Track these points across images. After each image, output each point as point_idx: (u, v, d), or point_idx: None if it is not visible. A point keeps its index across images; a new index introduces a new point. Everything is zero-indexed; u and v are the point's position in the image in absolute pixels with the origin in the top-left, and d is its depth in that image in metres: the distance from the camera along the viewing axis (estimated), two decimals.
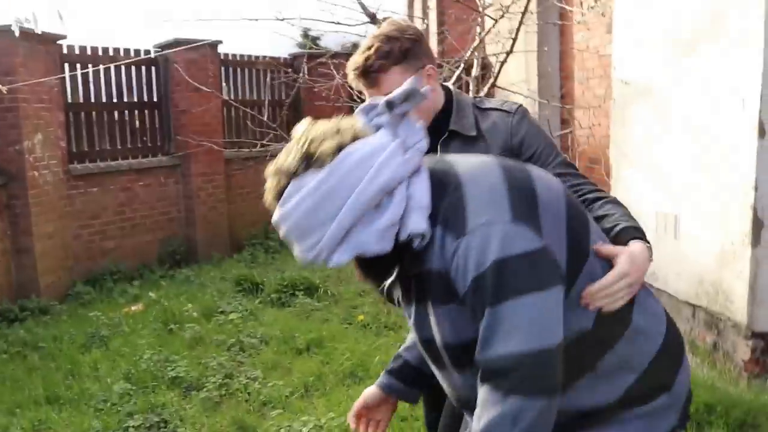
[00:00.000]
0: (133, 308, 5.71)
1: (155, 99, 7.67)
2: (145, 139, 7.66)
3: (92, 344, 4.76)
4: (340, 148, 1.15)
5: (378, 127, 1.20)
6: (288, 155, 1.19)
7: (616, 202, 1.73)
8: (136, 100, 7.52)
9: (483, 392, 1.12)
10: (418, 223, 1.15)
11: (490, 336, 1.10)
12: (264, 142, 7.69)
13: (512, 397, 1.08)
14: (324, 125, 1.20)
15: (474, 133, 1.81)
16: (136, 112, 7.56)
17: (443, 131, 1.81)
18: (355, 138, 1.17)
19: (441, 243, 1.15)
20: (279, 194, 1.18)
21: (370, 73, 1.71)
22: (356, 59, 1.73)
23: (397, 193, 1.15)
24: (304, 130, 1.21)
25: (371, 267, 1.23)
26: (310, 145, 1.16)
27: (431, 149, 1.68)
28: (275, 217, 1.20)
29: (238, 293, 5.85)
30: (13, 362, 4.52)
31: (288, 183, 1.16)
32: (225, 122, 8.35)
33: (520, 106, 1.87)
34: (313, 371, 3.95)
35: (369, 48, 1.71)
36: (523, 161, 1.57)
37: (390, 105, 1.19)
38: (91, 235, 6.98)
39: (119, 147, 7.39)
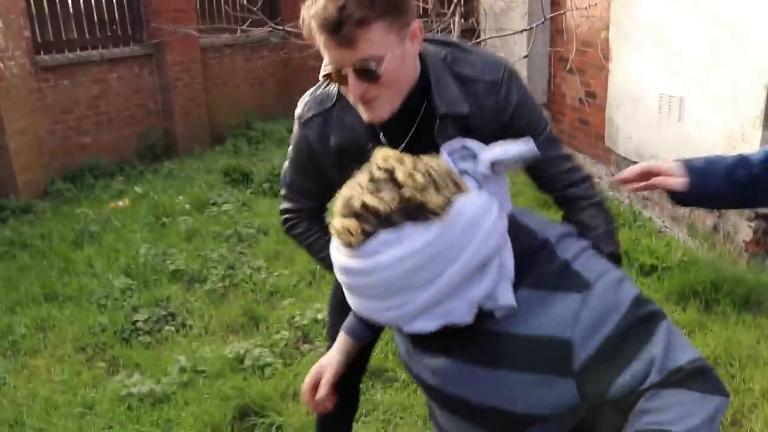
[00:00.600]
0: (119, 203, 5.55)
1: None
2: (114, 27, 7.21)
3: (83, 241, 4.64)
4: (449, 203, 0.99)
5: (464, 173, 1.05)
6: (372, 193, 0.99)
7: (599, 206, 1.58)
8: None
9: (677, 396, 1.00)
10: (508, 298, 1.05)
11: (667, 353, 1.01)
12: (243, 27, 7.33)
13: (714, 396, 1.01)
14: (411, 163, 1.01)
15: (466, 111, 1.45)
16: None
17: (419, 109, 1.44)
18: (457, 190, 1.01)
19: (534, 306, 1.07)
20: (360, 239, 0.99)
21: (342, 28, 1.24)
22: (323, 6, 1.24)
23: (494, 262, 1.04)
24: (392, 166, 1.01)
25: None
26: (413, 192, 0.98)
27: (406, 134, 1.45)
28: (352, 263, 1.01)
29: (227, 184, 5.71)
30: (2, 261, 4.39)
31: (377, 229, 0.98)
32: (199, 7, 7.88)
33: (505, 67, 1.50)
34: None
35: None
36: (509, 136, 1.26)
37: (495, 165, 1.04)
38: (65, 131, 6.69)
39: (88, 36, 6.96)
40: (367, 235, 0.97)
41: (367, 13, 1.24)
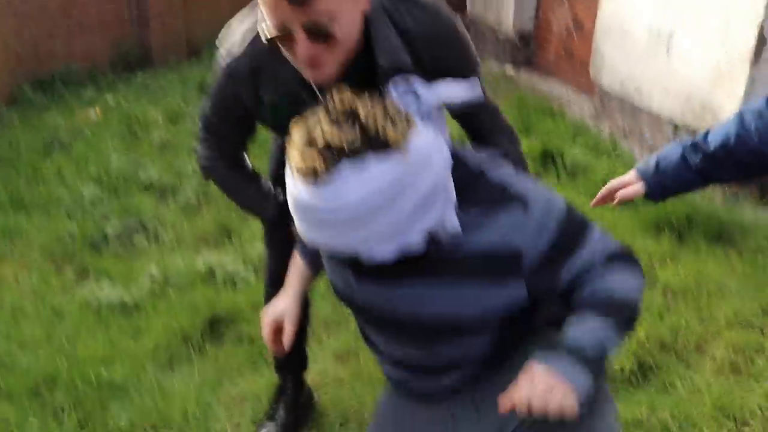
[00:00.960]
0: (91, 114, 5.38)
1: None
2: None
3: (52, 150, 4.50)
4: (405, 138, 1.04)
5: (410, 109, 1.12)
6: (333, 127, 1.02)
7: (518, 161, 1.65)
8: None
9: (618, 268, 1.23)
10: (454, 222, 1.13)
11: (603, 244, 1.25)
12: None
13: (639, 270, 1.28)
14: (369, 100, 1.06)
15: (409, 63, 1.35)
16: None
17: (359, 63, 1.31)
18: (409, 126, 1.06)
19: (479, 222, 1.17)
20: (326, 174, 1.01)
21: None
22: None
23: (441, 192, 1.10)
24: (352, 103, 1.05)
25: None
26: (370, 124, 1.02)
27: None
28: (317, 198, 1.02)
29: (202, 98, 5.54)
30: None
31: (342, 164, 1.00)
32: None
33: (450, 24, 1.42)
34: None
35: None
36: None
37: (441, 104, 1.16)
38: (34, 36, 6.41)
39: None
40: (332, 170, 1.00)
41: None
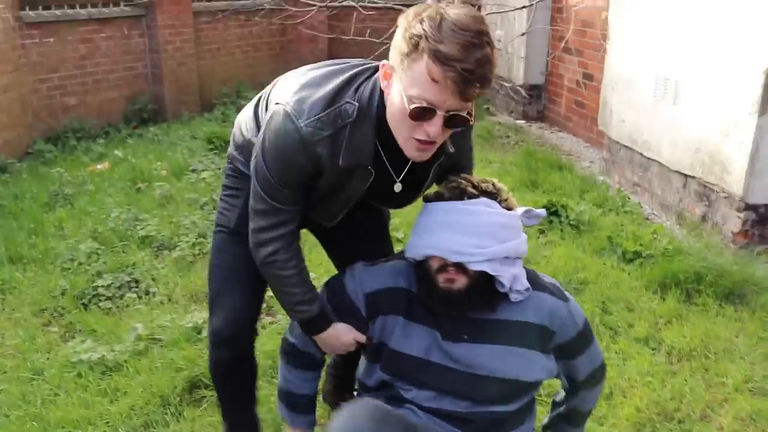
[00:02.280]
0: (98, 167, 5.42)
1: None
2: None
3: (56, 203, 4.51)
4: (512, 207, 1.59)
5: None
6: (476, 181, 1.58)
7: None
8: None
9: (595, 390, 1.78)
10: (525, 282, 1.58)
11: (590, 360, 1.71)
12: None
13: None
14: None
15: (451, 150, 1.58)
16: None
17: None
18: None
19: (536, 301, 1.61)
20: (471, 195, 1.55)
21: (474, 85, 1.33)
22: (477, 60, 1.30)
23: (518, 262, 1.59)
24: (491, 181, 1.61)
25: (479, 291, 1.53)
26: (500, 189, 1.59)
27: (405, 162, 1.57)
28: (463, 206, 1.53)
29: (209, 152, 5.58)
30: None
31: (480, 196, 1.55)
32: None
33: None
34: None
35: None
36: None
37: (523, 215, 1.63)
38: (50, 90, 6.52)
39: None
40: (474, 195, 1.54)
41: (490, 80, 1.33)
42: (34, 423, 2.25)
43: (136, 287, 3.30)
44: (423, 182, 1.63)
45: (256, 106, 1.73)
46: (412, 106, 1.33)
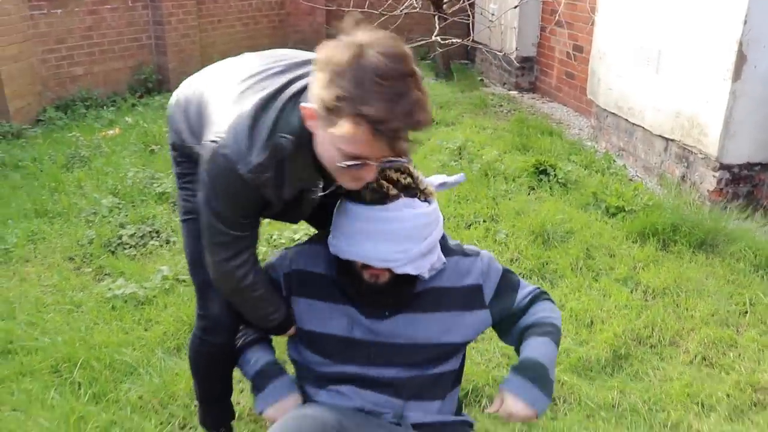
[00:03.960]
0: (110, 132, 5.65)
1: None
2: None
3: (74, 164, 4.76)
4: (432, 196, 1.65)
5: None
6: (396, 176, 1.58)
7: None
8: None
9: (539, 308, 1.76)
10: (442, 258, 1.69)
11: (530, 287, 1.81)
12: None
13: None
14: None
15: None
16: None
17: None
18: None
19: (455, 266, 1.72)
20: (391, 198, 1.55)
21: (402, 141, 1.30)
22: (410, 121, 1.28)
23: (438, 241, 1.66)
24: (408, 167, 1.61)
25: (402, 281, 1.61)
26: (421, 182, 1.61)
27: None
28: (382, 213, 1.54)
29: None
30: None
31: (400, 195, 1.56)
32: None
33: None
34: None
35: None
36: None
37: (440, 186, 1.75)
38: (58, 60, 6.73)
39: None
40: (394, 196, 1.54)
41: (425, 122, 1.29)
42: (81, 343, 2.53)
43: (158, 237, 3.57)
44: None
45: (186, 99, 1.67)
46: (345, 163, 1.32)
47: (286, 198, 1.50)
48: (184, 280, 3.05)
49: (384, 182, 1.55)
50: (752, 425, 2.22)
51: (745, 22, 3.61)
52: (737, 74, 3.72)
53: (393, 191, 1.54)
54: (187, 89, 1.69)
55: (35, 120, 6.14)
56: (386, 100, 1.23)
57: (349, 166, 1.33)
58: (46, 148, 5.18)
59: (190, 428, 2.17)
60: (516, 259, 3.29)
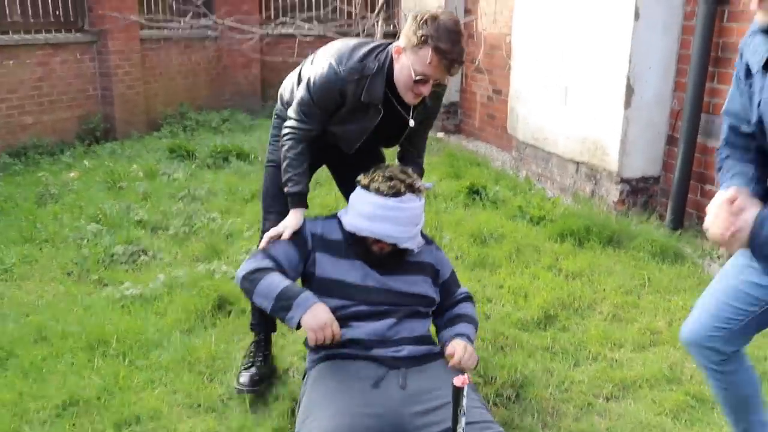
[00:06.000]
0: (70, 175, 6.00)
1: None
2: (58, 13, 7.63)
3: (45, 201, 5.09)
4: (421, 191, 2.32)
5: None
6: (403, 177, 2.26)
7: (420, 166, 2.75)
8: None
9: (467, 306, 2.44)
10: (421, 242, 2.37)
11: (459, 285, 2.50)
12: (187, 20, 7.90)
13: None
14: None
15: (429, 102, 2.47)
16: None
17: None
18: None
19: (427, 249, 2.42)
20: (403, 192, 2.22)
21: (455, 67, 2.21)
22: (458, 52, 2.18)
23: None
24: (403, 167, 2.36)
25: (398, 252, 2.29)
26: (417, 181, 2.28)
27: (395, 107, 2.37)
28: (396, 203, 2.22)
29: (173, 160, 6.28)
30: None
31: (407, 192, 2.23)
32: None
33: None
34: None
35: None
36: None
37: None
38: (9, 110, 7.03)
39: (32, 20, 7.36)
40: (404, 192, 2.22)
41: (463, 62, 2.34)
42: (109, 326, 2.97)
43: (146, 254, 4.01)
44: (407, 127, 2.47)
45: (299, 74, 2.57)
46: (417, 78, 2.20)
47: (362, 99, 2.29)
48: (181, 283, 3.51)
49: (397, 181, 2.24)
50: (651, 354, 2.92)
51: (630, 60, 4.48)
52: (628, 103, 4.57)
53: (403, 188, 2.23)
54: (293, 74, 2.61)
55: None
56: (451, 42, 2.14)
57: (417, 81, 2.21)
58: (12, 189, 5.49)
59: (218, 381, 2.65)
60: (460, 256, 3.93)
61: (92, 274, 3.76)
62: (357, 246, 2.27)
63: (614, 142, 4.71)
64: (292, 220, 2.36)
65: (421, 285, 2.32)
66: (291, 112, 2.42)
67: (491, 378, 2.67)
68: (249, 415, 2.47)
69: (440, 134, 8.30)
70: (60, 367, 2.72)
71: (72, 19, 7.74)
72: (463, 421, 1.64)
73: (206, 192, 5.20)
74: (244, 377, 2.59)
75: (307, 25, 7.94)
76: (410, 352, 2.19)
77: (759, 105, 1.60)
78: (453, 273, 2.49)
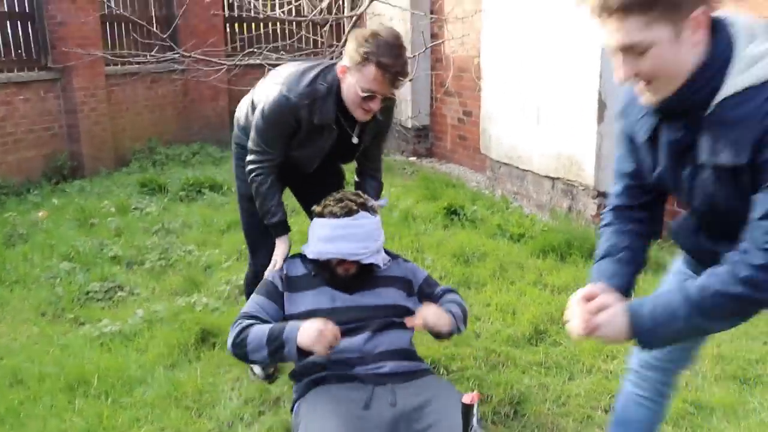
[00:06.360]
0: (39, 214, 5.85)
1: (26, 9, 7.51)
2: (20, 51, 7.51)
3: (14, 242, 4.93)
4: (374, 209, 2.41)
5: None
6: (354, 197, 2.34)
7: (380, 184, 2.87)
8: (6, 9, 7.32)
9: (451, 296, 2.45)
10: (386, 259, 2.41)
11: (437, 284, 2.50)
12: (152, 53, 7.83)
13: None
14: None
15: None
16: (8, 22, 7.37)
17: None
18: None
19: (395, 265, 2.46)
20: (354, 211, 2.29)
21: None
22: None
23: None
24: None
25: (365, 271, 2.33)
26: (367, 201, 2.36)
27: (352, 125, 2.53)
28: (349, 221, 2.27)
29: (144, 195, 6.16)
30: None
31: (360, 210, 2.30)
32: (108, 35, 8.32)
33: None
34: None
35: None
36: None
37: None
38: None
39: None
40: (356, 211, 2.28)
41: (408, 73, 2.46)
42: (89, 366, 2.85)
43: (122, 290, 3.89)
44: (361, 143, 2.58)
45: (251, 100, 2.63)
46: (364, 95, 2.28)
47: (315, 122, 2.39)
48: (161, 318, 3.41)
49: (348, 201, 2.30)
50: None
51: (601, 76, 4.54)
52: (601, 117, 4.62)
53: (355, 207, 2.30)
54: (247, 99, 2.68)
55: None
56: (393, 56, 2.21)
57: (365, 98, 2.28)
58: None
59: (206, 416, 2.56)
60: (444, 276, 3.89)
61: (67, 313, 3.63)
62: (322, 273, 2.32)
63: (589, 157, 4.75)
64: (282, 248, 2.52)
65: (392, 296, 2.35)
66: (251, 144, 2.50)
67: (487, 396, 2.62)
68: None
69: (412, 158, 8.31)
70: (39, 410, 2.60)
71: (35, 57, 7.63)
72: None
73: (181, 225, 5.11)
74: (257, 368, 2.80)
75: (274, 56, 7.95)
76: (393, 369, 2.18)
77: (654, 171, 1.59)
78: (428, 276, 2.52)
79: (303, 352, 2.05)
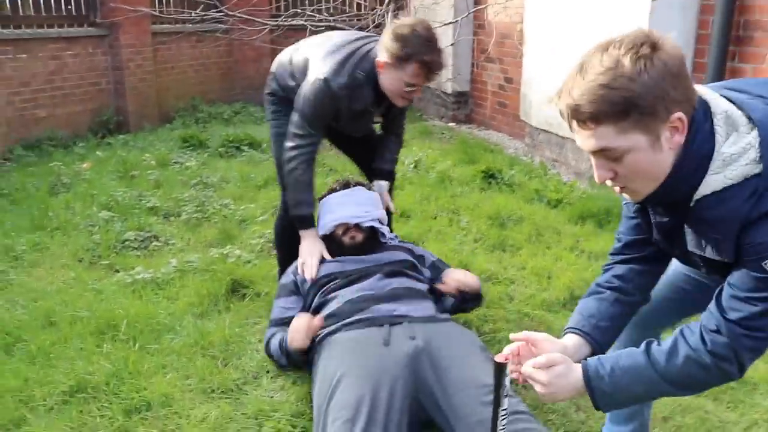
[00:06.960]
0: (83, 166, 5.96)
1: None
2: (69, 7, 7.60)
3: (58, 190, 5.05)
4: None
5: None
6: (351, 178, 2.85)
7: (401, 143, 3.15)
8: None
9: None
10: (388, 232, 2.75)
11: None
12: (198, 12, 7.85)
13: None
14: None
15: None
16: None
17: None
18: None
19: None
20: (354, 185, 2.79)
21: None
22: None
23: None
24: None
25: (371, 239, 2.66)
26: (365, 182, 2.92)
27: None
28: (349, 191, 2.76)
29: (186, 149, 6.23)
30: None
31: (357, 185, 2.79)
32: None
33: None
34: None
35: None
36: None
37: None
38: (22, 103, 7.03)
39: (44, 14, 7.34)
40: (354, 185, 2.74)
41: (443, 67, 2.65)
42: (120, 311, 2.90)
43: (158, 240, 3.95)
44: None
45: (290, 61, 2.85)
46: (407, 88, 2.54)
47: (354, 109, 2.64)
48: (194, 268, 3.44)
49: (346, 180, 2.80)
50: None
51: None
52: None
53: (354, 182, 2.78)
54: (286, 56, 2.88)
55: (4, 159, 6.40)
56: (433, 52, 2.47)
57: (408, 91, 2.55)
58: (24, 178, 5.46)
59: (232, 366, 2.58)
60: (479, 239, 3.84)
61: (103, 259, 3.70)
62: (331, 247, 2.62)
63: None
64: (309, 246, 2.66)
65: (399, 254, 2.60)
66: (293, 128, 2.66)
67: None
68: (265, 399, 2.39)
69: (451, 124, 8.19)
70: (68, 352, 2.66)
71: (84, 13, 7.72)
72: (506, 402, 1.46)
73: (219, 179, 5.15)
74: None
75: (317, 17, 7.88)
76: (409, 311, 2.24)
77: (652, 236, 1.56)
78: (438, 259, 2.78)
79: (302, 352, 2.30)
